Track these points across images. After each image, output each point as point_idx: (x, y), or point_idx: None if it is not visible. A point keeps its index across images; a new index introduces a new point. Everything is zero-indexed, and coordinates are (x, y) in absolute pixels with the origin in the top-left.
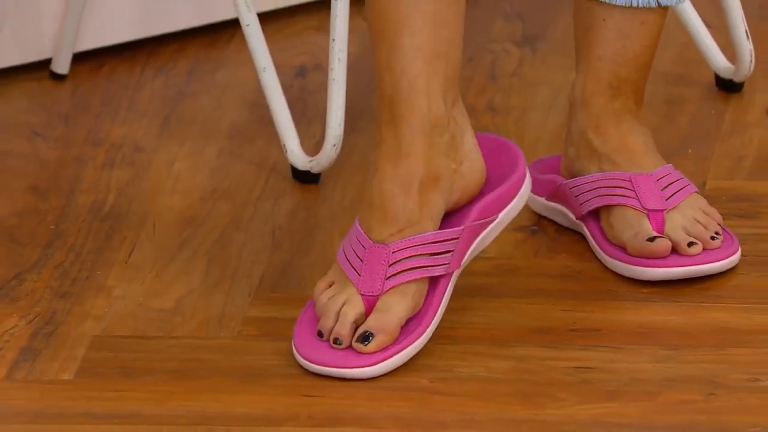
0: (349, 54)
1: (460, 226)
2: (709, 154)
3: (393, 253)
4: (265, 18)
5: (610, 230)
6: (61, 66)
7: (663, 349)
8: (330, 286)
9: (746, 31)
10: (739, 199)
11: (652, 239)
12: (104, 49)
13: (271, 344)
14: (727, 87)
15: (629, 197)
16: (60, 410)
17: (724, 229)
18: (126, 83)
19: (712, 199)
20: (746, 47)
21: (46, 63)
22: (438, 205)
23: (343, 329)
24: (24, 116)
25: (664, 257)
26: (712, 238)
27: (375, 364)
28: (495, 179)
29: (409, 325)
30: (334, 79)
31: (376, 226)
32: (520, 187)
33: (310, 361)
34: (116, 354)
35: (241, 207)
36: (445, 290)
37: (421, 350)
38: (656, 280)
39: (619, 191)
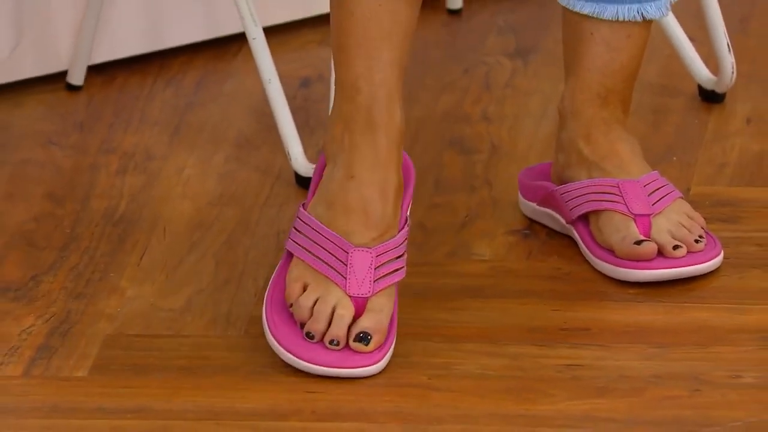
0: None
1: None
2: (693, 161)
3: (378, 256)
4: (270, 32)
5: (599, 234)
6: (76, 78)
7: (649, 347)
8: (304, 288)
9: (728, 45)
10: (721, 204)
11: (639, 242)
12: (117, 61)
13: None
14: (710, 98)
15: (617, 202)
16: (74, 405)
17: (707, 232)
18: (138, 94)
19: (695, 204)
20: (728, 60)
21: (62, 75)
22: (400, 209)
23: (341, 331)
24: (41, 125)
25: (650, 260)
26: (696, 241)
27: (377, 362)
28: None
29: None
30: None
31: (357, 230)
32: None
33: (314, 364)
34: (128, 352)
35: (248, 212)
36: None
37: (420, 349)
38: (643, 281)
39: (607, 197)
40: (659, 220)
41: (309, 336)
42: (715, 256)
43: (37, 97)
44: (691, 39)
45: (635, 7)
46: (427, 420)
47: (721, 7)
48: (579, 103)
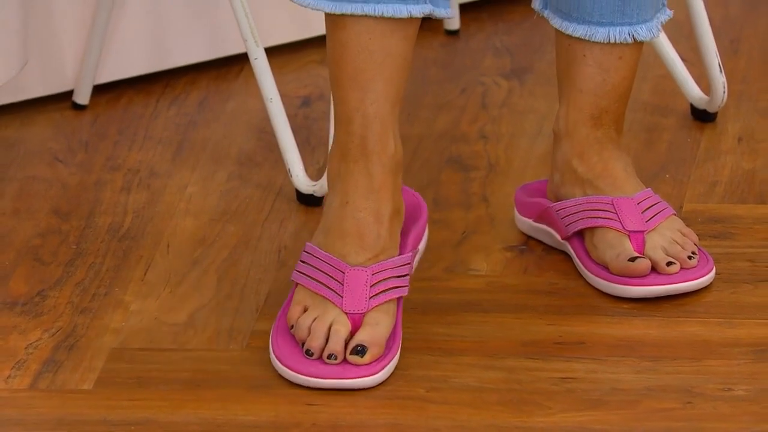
0: None
1: (402, 253)
2: (685, 179)
3: (373, 275)
4: (272, 52)
5: (593, 250)
6: (82, 97)
7: (643, 360)
8: (305, 311)
9: (719, 65)
10: (713, 221)
11: (633, 259)
12: (122, 81)
13: None
14: (702, 117)
15: (611, 219)
16: (80, 418)
17: (699, 249)
18: (142, 113)
19: (688, 221)
20: (719, 80)
21: (68, 94)
22: (398, 235)
23: (338, 345)
24: (47, 143)
25: (644, 276)
26: (689, 257)
27: (375, 373)
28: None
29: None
30: None
31: (353, 252)
32: (426, 223)
33: (315, 377)
34: (133, 365)
35: (249, 228)
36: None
37: (418, 362)
38: (637, 297)
39: (601, 214)
40: (653, 237)
41: (308, 353)
42: (708, 272)
43: (44, 116)
44: (684, 59)
45: (626, 29)
46: None
47: (712, 29)
48: (573, 124)
